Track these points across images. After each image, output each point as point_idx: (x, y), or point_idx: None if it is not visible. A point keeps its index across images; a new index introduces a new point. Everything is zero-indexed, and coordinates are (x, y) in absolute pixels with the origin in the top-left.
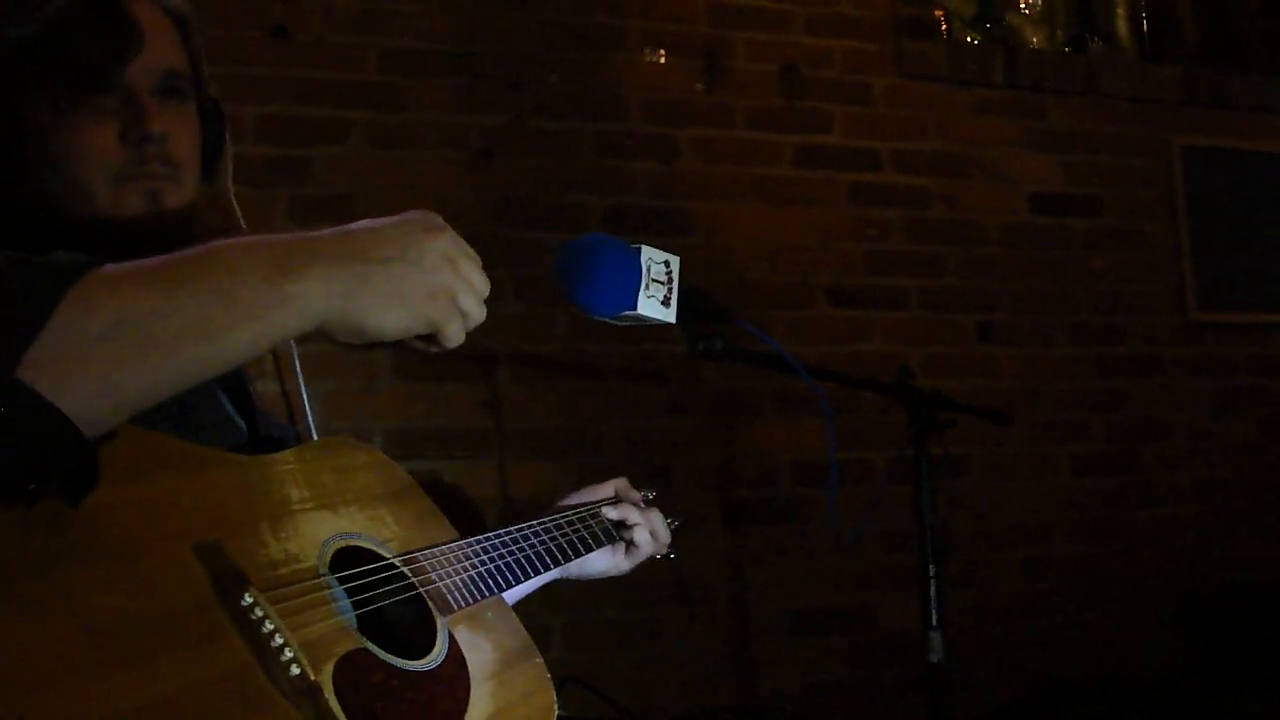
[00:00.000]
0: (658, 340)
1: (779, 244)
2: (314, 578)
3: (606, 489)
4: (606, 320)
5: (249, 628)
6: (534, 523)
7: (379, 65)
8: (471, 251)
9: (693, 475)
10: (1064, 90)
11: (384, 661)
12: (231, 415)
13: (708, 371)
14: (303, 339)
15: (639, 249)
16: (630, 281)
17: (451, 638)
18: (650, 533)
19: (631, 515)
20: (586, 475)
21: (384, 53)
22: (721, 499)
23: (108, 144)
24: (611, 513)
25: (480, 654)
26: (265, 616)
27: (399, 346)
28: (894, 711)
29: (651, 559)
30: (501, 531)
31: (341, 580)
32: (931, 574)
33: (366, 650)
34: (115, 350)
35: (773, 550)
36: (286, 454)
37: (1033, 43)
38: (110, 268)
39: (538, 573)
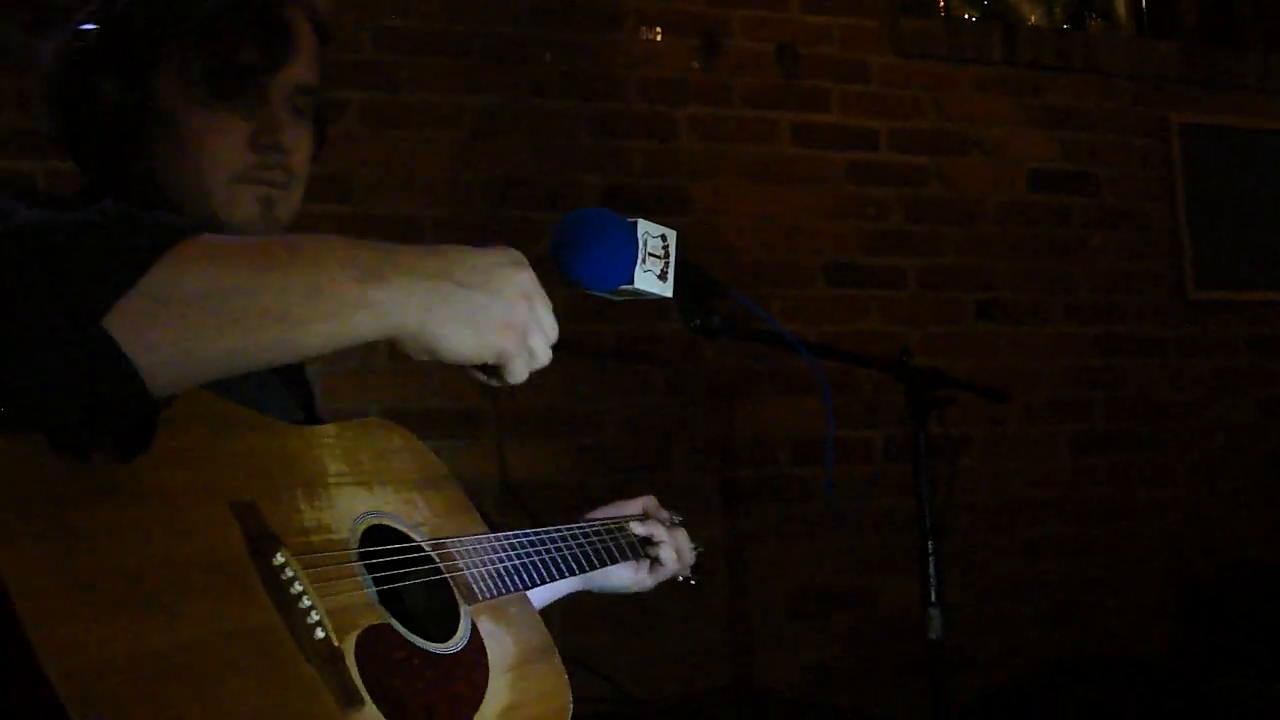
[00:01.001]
0: (656, 319)
1: (777, 223)
2: (344, 549)
3: (635, 505)
4: (604, 296)
5: (278, 587)
6: (562, 527)
7: (373, 45)
8: (546, 296)
9: (692, 455)
10: (1062, 68)
11: (406, 639)
12: (290, 404)
13: (706, 351)
14: (370, 347)
15: (635, 222)
16: (626, 255)
17: (474, 626)
18: (675, 552)
19: (658, 533)
20: (585, 455)
21: (378, 32)
22: (720, 479)
23: (236, 145)
24: (638, 528)
25: (501, 646)
26: (295, 578)
27: (461, 373)
28: (894, 692)
29: (673, 580)
30: (530, 531)
31: (370, 556)
32: (930, 551)
33: (390, 626)
34: (199, 318)
35: (772, 530)
36: (328, 427)
37: (1031, 20)
38: (209, 237)
39: (562, 575)
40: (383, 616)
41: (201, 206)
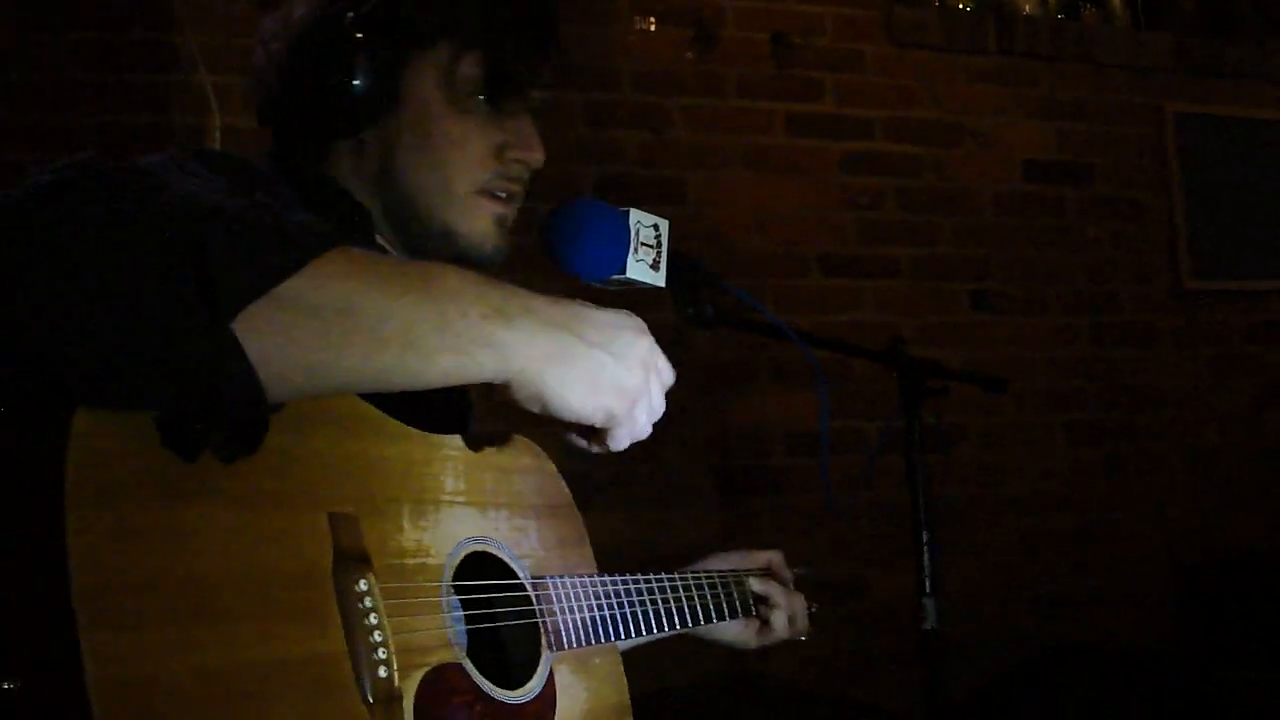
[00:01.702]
0: (648, 309)
1: (770, 213)
2: (435, 578)
3: (760, 559)
4: (596, 286)
5: (353, 615)
6: (675, 575)
7: None
8: (665, 368)
9: (685, 446)
10: (1058, 57)
11: (475, 683)
12: (446, 410)
13: (700, 341)
14: (483, 389)
15: (627, 212)
16: (619, 245)
17: (551, 676)
18: (788, 618)
19: (775, 595)
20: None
21: None
22: (715, 470)
23: (486, 153)
24: (756, 585)
25: (573, 701)
26: (373, 609)
27: (560, 431)
28: (890, 682)
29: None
30: (640, 577)
31: (463, 589)
32: (925, 541)
33: (461, 666)
34: (327, 331)
35: (767, 521)
36: (458, 439)
37: (1026, 10)
38: (350, 252)
39: (663, 630)
40: (456, 655)
41: (439, 210)
